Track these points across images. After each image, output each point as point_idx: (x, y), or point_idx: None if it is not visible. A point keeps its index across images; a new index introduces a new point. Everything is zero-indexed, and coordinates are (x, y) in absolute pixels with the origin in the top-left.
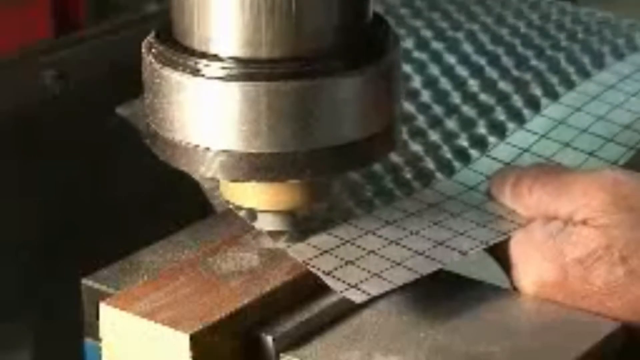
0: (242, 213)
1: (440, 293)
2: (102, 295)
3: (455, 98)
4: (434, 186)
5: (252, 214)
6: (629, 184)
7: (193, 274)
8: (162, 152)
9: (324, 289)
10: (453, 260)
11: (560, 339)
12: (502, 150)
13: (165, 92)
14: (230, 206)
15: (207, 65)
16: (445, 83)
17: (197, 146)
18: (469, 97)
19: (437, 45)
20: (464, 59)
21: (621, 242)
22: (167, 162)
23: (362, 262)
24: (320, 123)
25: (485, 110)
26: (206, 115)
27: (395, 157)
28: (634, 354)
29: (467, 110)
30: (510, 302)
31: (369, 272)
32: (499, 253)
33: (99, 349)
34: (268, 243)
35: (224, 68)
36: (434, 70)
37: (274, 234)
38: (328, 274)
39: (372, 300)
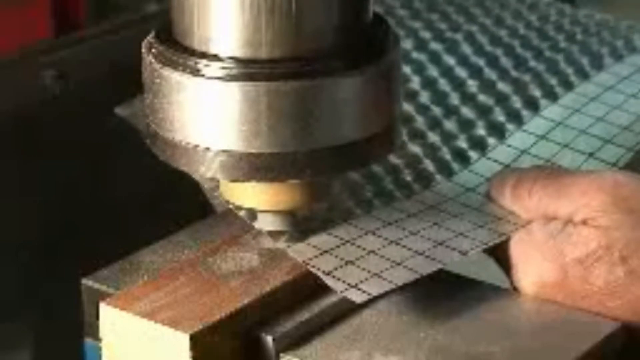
0: (242, 213)
1: (440, 293)
2: (102, 295)
3: (454, 99)
4: (433, 188)
5: (252, 214)
6: (629, 186)
7: (193, 274)
8: (162, 152)
9: (324, 289)
10: (453, 260)
11: (560, 339)
12: (501, 152)
13: (165, 92)
14: (230, 206)
15: (207, 65)
16: (444, 84)
17: (197, 146)
18: (468, 98)
19: (436, 46)
20: (463, 60)
21: (621, 242)
22: (167, 162)
23: (362, 262)
24: (320, 123)
25: (484, 111)
26: (206, 115)
27: (395, 159)
28: (634, 354)
29: (466, 111)
30: (510, 302)
31: (369, 272)
32: (499, 253)
33: (99, 349)
34: (268, 243)
35: (224, 68)
36: (433, 71)
37: (274, 234)
38: (328, 274)
39: (372, 300)
